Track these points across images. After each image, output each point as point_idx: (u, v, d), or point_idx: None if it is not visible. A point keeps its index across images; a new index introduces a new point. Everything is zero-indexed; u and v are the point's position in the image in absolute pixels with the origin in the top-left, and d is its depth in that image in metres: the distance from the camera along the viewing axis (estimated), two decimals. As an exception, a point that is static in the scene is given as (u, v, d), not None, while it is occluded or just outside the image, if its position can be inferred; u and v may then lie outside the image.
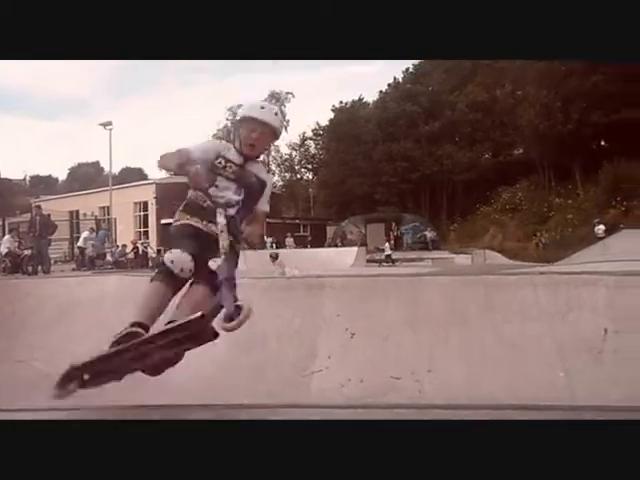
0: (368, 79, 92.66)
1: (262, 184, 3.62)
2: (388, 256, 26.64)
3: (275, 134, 3.62)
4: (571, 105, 32.60)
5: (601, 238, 23.53)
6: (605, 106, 31.23)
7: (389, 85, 50.99)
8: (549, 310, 6.92)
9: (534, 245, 29.21)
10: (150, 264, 24.83)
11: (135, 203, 41.49)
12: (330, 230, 41.20)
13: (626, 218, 27.96)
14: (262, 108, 3.51)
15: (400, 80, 50.24)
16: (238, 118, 3.61)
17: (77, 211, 37.07)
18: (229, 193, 3.47)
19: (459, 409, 4.63)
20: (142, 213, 41.64)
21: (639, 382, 5.79)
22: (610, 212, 29.44)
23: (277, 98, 39.89)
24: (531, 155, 38.15)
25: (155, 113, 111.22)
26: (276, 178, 44.17)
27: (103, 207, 36.75)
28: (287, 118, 40.77)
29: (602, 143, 37.82)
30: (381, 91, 51.57)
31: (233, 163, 3.54)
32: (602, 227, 24.80)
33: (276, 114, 3.57)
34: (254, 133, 3.48)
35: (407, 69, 50.45)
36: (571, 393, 6.18)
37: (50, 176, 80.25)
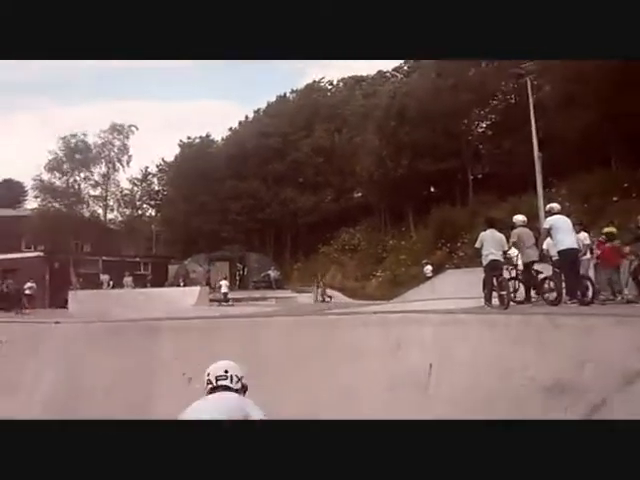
0: (217, 116, 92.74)
1: None
2: (225, 294, 26.29)
3: None
4: (401, 154, 35.35)
5: (429, 277, 25.55)
6: (431, 156, 34.34)
7: (240, 123, 51.54)
8: (381, 348, 7.27)
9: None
10: None
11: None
12: (172, 269, 39.96)
13: (450, 259, 30.62)
14: None
15: (250, 118, 51.08)
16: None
17: None
18: None
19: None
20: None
21: (458, 412, 6.25)
22: (437, 253, 32.02)
23: (120, 130, 38.15)
24: (369, 199, 40.53)
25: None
26: (115, 214, 41.98)
27: None
28: (130, 153, 39.07)
29: (431, 189, 41.35)
30: (231, 128, 51.93)
31: None
32: (429, 267, 26.94)
33: None
34: None
35: (259, 109, 51.54)
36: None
37: None
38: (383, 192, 37.51)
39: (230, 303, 24.82)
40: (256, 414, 3.15)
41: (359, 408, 6.74)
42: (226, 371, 3.49)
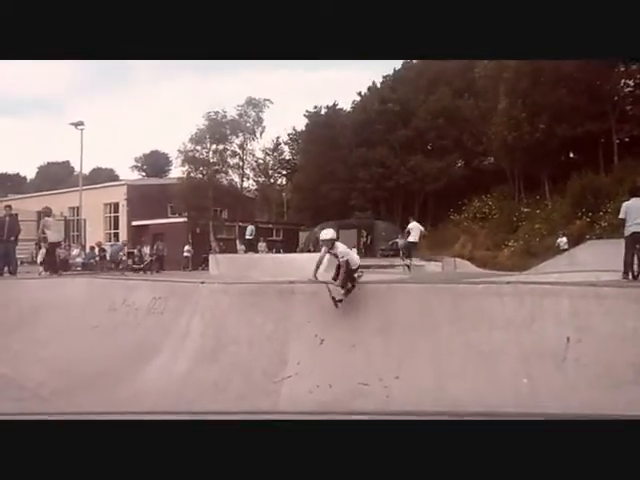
0: (341, 85, 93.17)
1: None
2: None
3: None
4: (537, 117, 33.26)
5: (563, 250, 24.05)
6: (570, 119, 31.99)
7: (368, 89, 51.29)
8: (514, 319, 7.10)
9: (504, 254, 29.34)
10: (120, 267, 24.46)
11: (105, 204, 40.95)
12: (302, 235, 41.24)
13: (592, 229, 28.65)
14: None
15: (377, 85, 50.69)
16: None
17: (46, 211, 36.43)
18: None
19: (425, 415, 4.73)
20: (112, 214, 41.12)
21: (598, 389, 5.99)
22: (576, 223, 30.11)
23: (255, 104, 39.74)
24: (501, 165, 38.75)
25: (129, 113, 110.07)
26: (250, 182, 44.03)
27: (73, 207, 36.14)
28: (263, 124, 40.60)
29: (570, 155, 38.68)
30: (360, 93, 51.79)
31: None
32: (564, 239, 25.32)
33: None
34: None
35: (387, 75, 50.99)
36: (534, 399, 6.35)
37: (18, 175, 78.36)
38: (517, 157, 35.62)
39: (360, 271, 25.09)
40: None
41: (490, 375, 6.68)
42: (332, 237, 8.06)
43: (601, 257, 16.44)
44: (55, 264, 15.16)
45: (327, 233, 8.41)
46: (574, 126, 32.16)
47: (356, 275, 8.34)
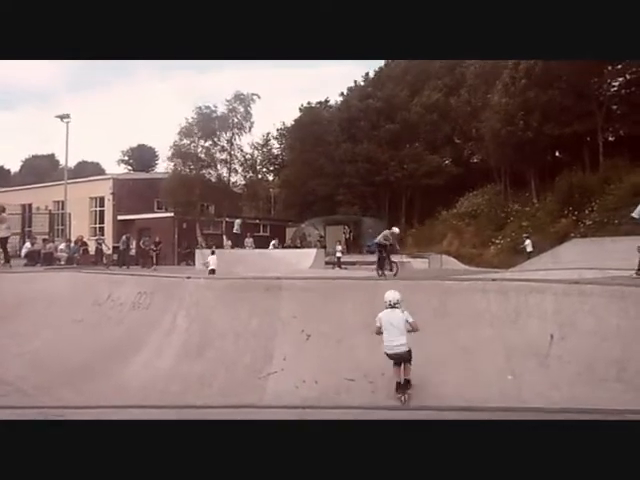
0: (334, 81, 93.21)
1: None
2: (339, 259, 26.79)
3: None
4: (531, 115, 33.35)
5: (529, 253, 24.63)
6: (559, 118, 32.16)
7: (354, 85, 51.33)
8: (499, 315, 7.15)
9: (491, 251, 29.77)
10: (104, 261, 24.23)
11: (91, 198, 40.47)
12: (290, 231, 41.16)
13: (577, 227, 28.89)
14: None
15: (361, 82, 50.78)
16: None
17: (30, 204, 36.01)
18: None
19: (410, 410, 4.74)
20: (98, 208, 40.65)
21: (580, 385, 6.05)
22: (562, 221, 30.33)
23: (242, 99, 39.33)
24: (490, 162, 38.89)
25: (116, 108, 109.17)
26: (237, 177, 43.74)
27: (57, 201, 35.69)
28: (252, 119, 40.11)
29: (557, 154, 38.93)
30: (342, 93, 51.90)
31: None
32: (529, 242, 25.74)
33: None
34: None
35: (367, 73, 51.03)
36: (517, 394, 6.40)
37: (2, 168, 77.37)
38: (506, 153, 35.70)
39: (343, 267, 25.22)
40: (411, 319, 6.73)
41: (474, 370, 6.73)
42: (397, 300, 6.85)
43: (585, 255, 16.60)
44: (6, 255, 16.92)
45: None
46: (562, 125, 32.37)
47: None
